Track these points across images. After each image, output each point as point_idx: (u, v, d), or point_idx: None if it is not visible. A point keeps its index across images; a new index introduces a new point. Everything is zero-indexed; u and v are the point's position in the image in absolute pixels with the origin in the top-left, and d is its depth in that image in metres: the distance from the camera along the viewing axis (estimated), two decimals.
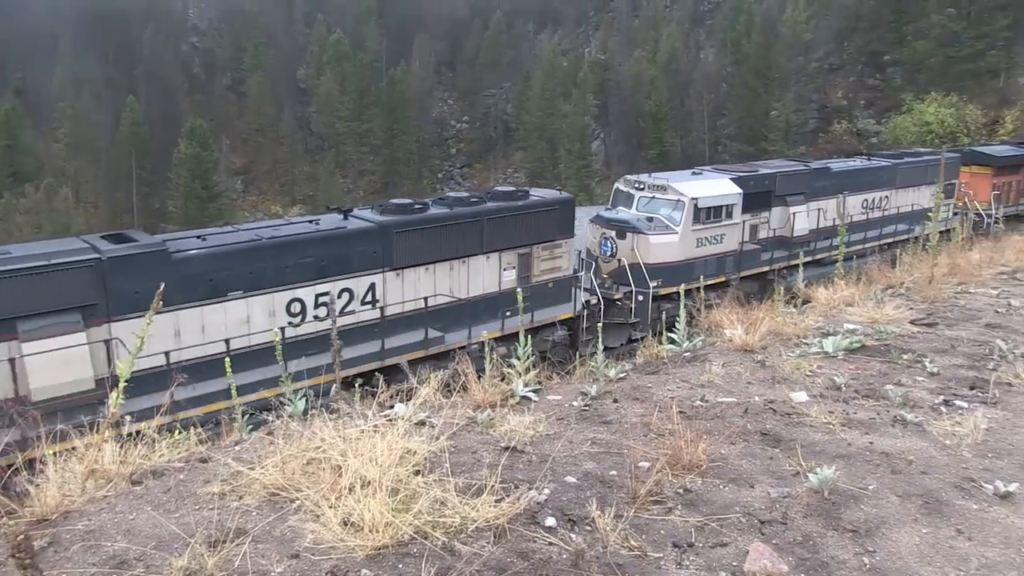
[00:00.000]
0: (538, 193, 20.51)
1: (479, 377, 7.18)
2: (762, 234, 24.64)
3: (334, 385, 7.39)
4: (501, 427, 6.06)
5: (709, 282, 21.40)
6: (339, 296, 16.25)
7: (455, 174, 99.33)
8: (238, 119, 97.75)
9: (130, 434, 5.71)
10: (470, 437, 5.95)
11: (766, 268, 24.45)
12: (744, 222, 23.78)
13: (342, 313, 16.28)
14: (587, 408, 6.79)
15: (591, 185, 78.57)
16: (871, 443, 6.11)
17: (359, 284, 16.58)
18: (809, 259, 20.89)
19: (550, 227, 19.64)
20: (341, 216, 17.48)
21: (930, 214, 12.94)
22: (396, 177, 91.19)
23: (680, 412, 6.47)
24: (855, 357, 8.36)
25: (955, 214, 29.26)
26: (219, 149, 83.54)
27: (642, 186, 22.94)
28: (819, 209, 25.80)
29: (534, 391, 7.17)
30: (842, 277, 12.20)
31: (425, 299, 17.31)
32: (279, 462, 5.01)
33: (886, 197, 28.20)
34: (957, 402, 7.13)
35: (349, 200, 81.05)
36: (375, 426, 5.42)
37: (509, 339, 17.24)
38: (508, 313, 18.35)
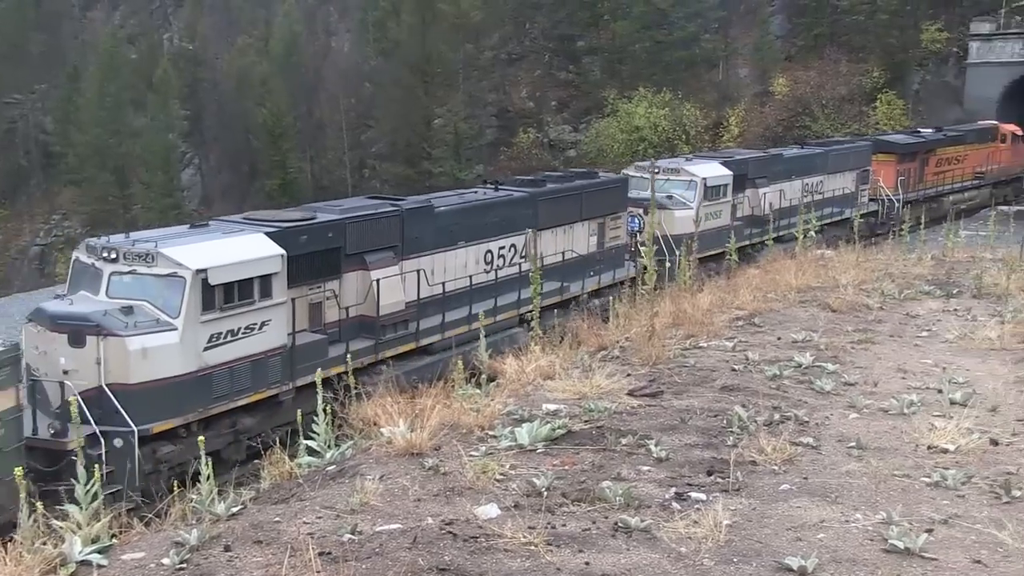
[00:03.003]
0: (603, 174, 35.42)
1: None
2: (739, 213, 37.45)
3: None
4: None
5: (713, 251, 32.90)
6: (509, 250, 27.09)
7: None
8: None
9: None
10: None
11: (747, 243, 36.64)
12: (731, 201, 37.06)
13: (509, 264, 26.86)
14: (185, 566, 6.68)
15: None
16: (587, 564, 6.46)
17: (519, 241, 27.31)
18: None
19: (615, 201, 32.32)
20: (494, 188, 29.00)
21: (679, 248, 14.06)
22: None
23: (322, 554, 6.50)
24: (559, 448, 8.83)
25: (871, 200, 45.54)
26: None
27: (657, 170, 33.57)
28: (780, 191, 39.04)
29: (100, 550, 6.96)
30: (537, 342, 12.90)
31: (563, 253, 28.76)
32: None
33: (821, 181, 42.33)
34: (693, 494, 7.76)
35: None
36: None
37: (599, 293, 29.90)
38: (592, 273, 30.13)
